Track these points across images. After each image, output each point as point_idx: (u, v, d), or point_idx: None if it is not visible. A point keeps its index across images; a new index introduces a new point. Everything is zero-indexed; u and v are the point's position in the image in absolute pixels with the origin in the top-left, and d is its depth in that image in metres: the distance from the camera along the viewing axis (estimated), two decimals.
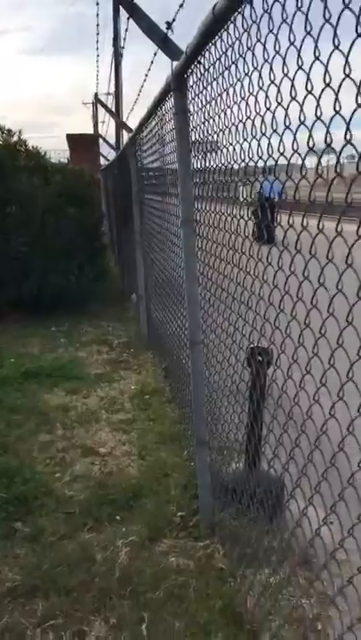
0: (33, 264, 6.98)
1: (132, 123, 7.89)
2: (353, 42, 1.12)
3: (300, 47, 1.28)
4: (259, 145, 1.73)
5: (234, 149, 1.98)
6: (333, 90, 1.19)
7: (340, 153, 1.28)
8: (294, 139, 1.46)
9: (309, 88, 1.26)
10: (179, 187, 2.65)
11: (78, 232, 7.37)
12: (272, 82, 1.46)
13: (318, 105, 1.24)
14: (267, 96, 1.52)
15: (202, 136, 2.43)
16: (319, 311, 1.50)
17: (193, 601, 2.43)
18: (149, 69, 3.82)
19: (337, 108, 1.19)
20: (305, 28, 1.22)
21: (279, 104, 1.46)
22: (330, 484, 1.61)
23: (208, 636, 2.23)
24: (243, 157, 1.86)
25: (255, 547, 2.47)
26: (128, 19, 3.69)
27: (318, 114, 1.26)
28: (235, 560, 2.59)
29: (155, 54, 3.15)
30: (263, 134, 1.68)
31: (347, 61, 1.13)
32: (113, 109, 17.51)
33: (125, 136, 15.29)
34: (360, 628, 1.63)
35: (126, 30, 6.76)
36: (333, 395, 1.45)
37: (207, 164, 2.50)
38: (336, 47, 1.15)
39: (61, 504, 3.15)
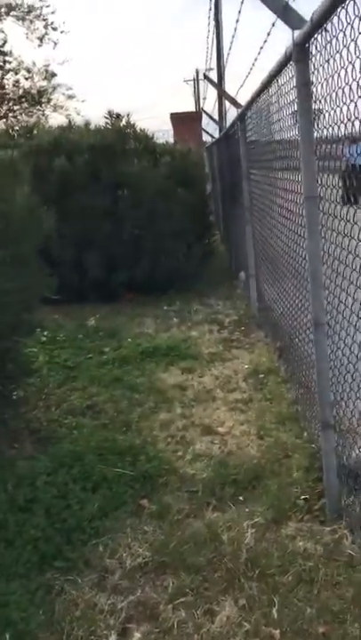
0: (144, 246, 7.12)
1: (241, 99, 7.73)
2: None
3: None
4: None
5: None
6: None
7: None
8: None
9: None
10: (301, 162, 2.55)
11: (187, 212, 7.40)
12: None
13: None
14: None
15: (326, 108, 2.31)
16: None
17: (323, 587, 2.39)
18: (265, 41, 3.69)
19: None
20: None
21: None
22: None
23: (343, 625, 2.18)
24: None
25: None
26: None
27: None
28: None
29: (273, 24, 3.04)
30: None
31: None
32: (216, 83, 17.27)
33: (231, 113, 15.07)
34: None
35: (242, 2, 6.55)
36: None
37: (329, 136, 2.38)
38: None
39: (185, 482, 3.21)
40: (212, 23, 17.38)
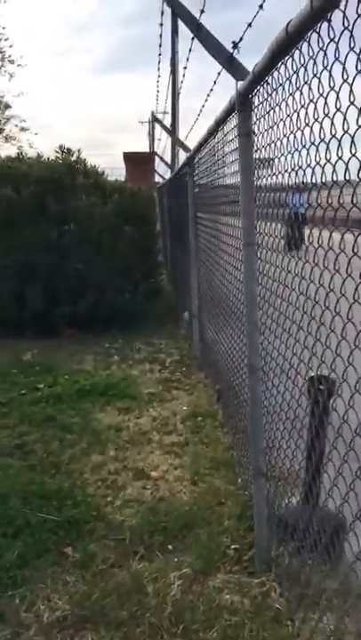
0: (89, 281, 7.05)
1: (190, 143, 7.90)
2: None
3: None
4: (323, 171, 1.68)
5: (299, 171, 1.92)
6: None
7: None
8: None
9: None
10: (241, 209, 2.57)
11: (134, 250, 7.41)
12: (352, 103, 1.37)
13: None
14: (345, 119, 1.43)
15: (266, 157, 2.35)
16: None
17: None
18: (212, 89, 3.79)
19: None
20: None
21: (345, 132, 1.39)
22: None
23: None
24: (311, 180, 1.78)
25: (316, 589, 2.33)
26: (192, 38, 3.67)
27: None
28: (293, 601, 2.45)
29: (218, 74, 3.11)
30: (328, 161, 1.63)
31: None
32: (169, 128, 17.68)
33: (181, 154, 15.40)
34: None
35: (190, 50, 6.79)
36: None
37: (269, 184, 2.42)
38: None
39: (112, 529, 3.08)
40: (168, 68, 17.85)
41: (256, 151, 2.48)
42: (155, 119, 20.18)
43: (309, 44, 1.64)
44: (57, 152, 8.04)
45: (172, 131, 17.51)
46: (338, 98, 1.44)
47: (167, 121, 18.87)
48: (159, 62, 17.39)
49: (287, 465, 2.64)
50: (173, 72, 17.77)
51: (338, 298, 1.64)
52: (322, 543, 2.36)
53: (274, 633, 2.34)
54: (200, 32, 2.93)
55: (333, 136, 1.51)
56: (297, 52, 1.77)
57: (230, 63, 2.39)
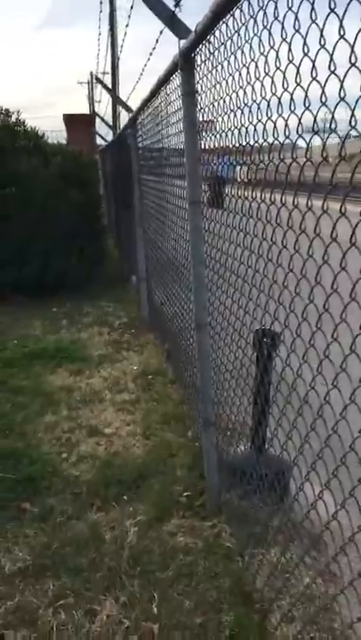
0: (34, 247, 6.95)
1: (132, 104, 7.79)
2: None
3: (323, 27, 1.27)
4: (265, 128, 1.75)
5: (239, 132, 1.99)
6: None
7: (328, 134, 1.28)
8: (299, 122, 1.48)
9: (332, 68, 1.26)
10: (186, 168, 2.63)
11: (79, 214, 7.32)
12: (290, 61, 1.44)
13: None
14: (285, 77, 1.50)
15: (210, 117, 2.40)
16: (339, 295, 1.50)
17: (202, 580, 2.46)
18: (154, 48, 3.76)
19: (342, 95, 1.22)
20: (329, 5, 1.21)
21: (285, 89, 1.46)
22: (348, 467, 1.62)
23: (218, 614, 2.26)
24: (247, 139, 1.86)
25: (263, 526, 2.51)
26: None
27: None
28: (242, 540, 2.62)
29: (161, 32, 3.10)
30: (269, 118, 1.70)
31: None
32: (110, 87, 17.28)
33: (123, 115, 15.10)
34: None
35: (131, 7, 6.62)
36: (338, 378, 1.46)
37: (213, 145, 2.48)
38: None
39: (69, 484, 3.18)
40: (106, 27, 17.34)
41: (199, 110, 2.53)
42: (96, 79, 19.62)
43: (250, 3, 1.69)
44: None
45: (113, 90, 17.13)
46: (277, 57, 1.50)
47: (108, 82, 18.37)
48: (100, 20, 16.85)
49: (235, 415, 2.78)
50: (112, 29, 17.29)
51: (280, 250, 1.74)
52: (267, 485, 2.53)
53: (225, 568, 2.51)
54: None
55: (274, 94, 1.58)
56: (238, 10, 1.81)
57: (172, 21, 2.40)
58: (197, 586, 2.44)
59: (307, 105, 1.43)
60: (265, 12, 1.58)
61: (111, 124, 18.16)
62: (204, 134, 2.53)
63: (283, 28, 1.47)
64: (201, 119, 2.52)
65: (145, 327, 6.07)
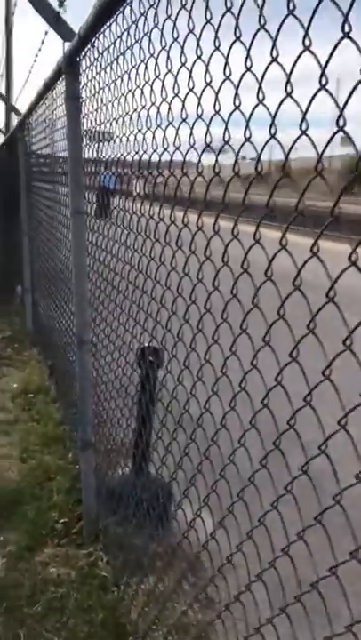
0: None
1: (23, 106, 7.50)
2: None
3: (200, 36, 1.21)
4: (153, 137, 1.66)
5: (127, 140, 1.89)
6: (233, 84, 1.13)
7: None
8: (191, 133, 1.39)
9: (208, 80, 1.19)
10: (69, 175, 2.50)
11: None
12: (169, 71, 1.38)
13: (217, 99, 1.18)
14: (163, 86, 1.43)
15: (94, 124, 2.30)
16: (213, 316, 1.45)
17: (73, 614, 2.30)
18: (40, 49, 3.61)
19: (237, 103, 1.13)
20: (205, 15, 1.15)
21: (176, 95, 1.38)
22: (218, 495, 1.56)
23: None
24: (137, 149, 1.77)
25: (140, 554, 2.39)
26: None
27: (217, 108, 1.19)
28: (118, 568, 2.50)
29: (46, 33, 2.96)
30: (159, 126, 1.61)
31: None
32: (3, 92, 16.66)
33: (15, 120, 14.61)
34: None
35: (15, 5, 6.29)
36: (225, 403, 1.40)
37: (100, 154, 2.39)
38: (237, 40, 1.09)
39: None
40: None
41: (84, 117, 2.42)
42: None
43: (132, 9, 1.61)
44: None
45: (7, 94, 16.51)
46: (157, 64, 1.43)
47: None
48: None
49: (115, 436, 2.67)
50: (7, 30, 16.71)
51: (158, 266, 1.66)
52: (144, 507, 2.43)
53: (99, 600, 2.37)
54: None
55: (153, 104, 1.51)
56: (121, 15, 1.73)
57: (57, 22, 2.28)
58: (68, 621, 2.27)
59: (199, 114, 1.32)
60: (145, 19, 1.51)
61: (3, 128, 17.49)
62: (87, 142, 2.42)
63: (162, 35, 1.41)
64: (86, 127, 2.41)
65: (29, 341, 5.79)
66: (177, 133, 1.47)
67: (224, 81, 1.12)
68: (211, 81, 1.20)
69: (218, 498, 1.59)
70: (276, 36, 0.95)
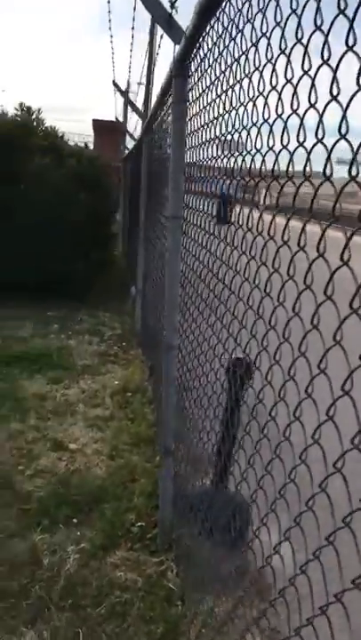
0: (38, 246, 6.81)
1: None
2: None
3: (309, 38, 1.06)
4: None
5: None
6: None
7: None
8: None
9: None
10: (169, 180, 2.48)
11: (88, 218, 7.20)
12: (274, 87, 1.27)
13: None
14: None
15: (197, 127, 2.25)
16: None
17: (135, 622, 2.27)
18: (157, 53, 3.63)
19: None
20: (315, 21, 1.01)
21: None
22: (302, 530, 1.35)
23: None
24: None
25: (211, 571, 2.30)
26: None
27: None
28: (188, 582, 2.43)
29: (161, 37, 2.97)
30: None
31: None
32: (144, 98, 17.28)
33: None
34: None
35: (134, 9, 6.33)
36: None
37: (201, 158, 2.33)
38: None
39: (18, 499, 3.01)
40: (146, 38, 17.39)
41: (189, 120, 2.38)
42: (113, 83, 19.68)
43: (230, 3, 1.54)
44: (16, 110, 7.76)
45: (146, 101, 17.11)
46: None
47: (136, 90, 18.42)
48: (132, 28, 16.86)
49: (197, 447, 2.60)
50: (151, 41, 17.31)
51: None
52: (222, 526, 2.33)
53: (162, 612, 2.32)
54: None
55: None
56: (223, 13, 1.67)
57: (169, 25, 2.26)
58: (128, 628, 2.24)
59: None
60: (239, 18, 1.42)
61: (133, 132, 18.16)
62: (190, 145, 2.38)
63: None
64: (188, 130, 2.37)
65: (136, 341, 5.91)
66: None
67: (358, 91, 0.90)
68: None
69: (302, 533, 1.33)
70: None
